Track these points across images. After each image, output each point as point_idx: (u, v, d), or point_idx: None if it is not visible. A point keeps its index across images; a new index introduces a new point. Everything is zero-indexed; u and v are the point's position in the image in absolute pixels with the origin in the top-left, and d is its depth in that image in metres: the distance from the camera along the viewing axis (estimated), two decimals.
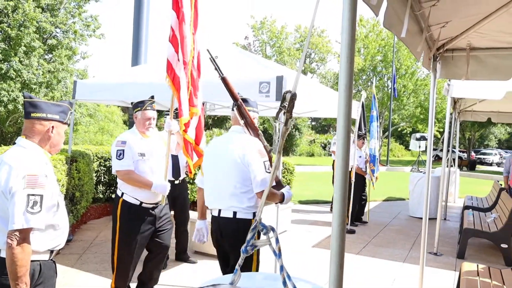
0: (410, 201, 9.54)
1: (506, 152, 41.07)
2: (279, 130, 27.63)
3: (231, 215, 2.87)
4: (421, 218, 8.69)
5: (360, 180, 8.05)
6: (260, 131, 3.01)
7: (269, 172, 2.81)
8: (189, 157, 3.72)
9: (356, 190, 7.83)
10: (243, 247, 1.85)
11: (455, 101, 9.13)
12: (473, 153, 33.73)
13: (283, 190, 2.98)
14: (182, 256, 5.33)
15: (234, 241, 2.81)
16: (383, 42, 31.83)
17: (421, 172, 9.89)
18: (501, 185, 8.84)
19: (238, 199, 2.86)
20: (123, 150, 3.54)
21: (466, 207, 8.07)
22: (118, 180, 3.67)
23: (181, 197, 5.30)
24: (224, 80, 2.88)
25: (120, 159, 3.54)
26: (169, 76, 3.54)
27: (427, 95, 31.22)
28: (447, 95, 6.22)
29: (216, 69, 2.88)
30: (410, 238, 7.28)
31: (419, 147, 22.68)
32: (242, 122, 2.97)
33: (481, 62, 4.20)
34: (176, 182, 5.16)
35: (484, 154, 38.06)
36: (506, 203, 6.61)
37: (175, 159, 5.09)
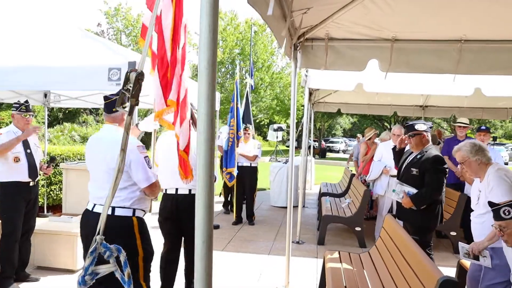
0: (271, 191, 9.73)
1: (349, 140, 45.58)
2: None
3: (187, 192, 3.65)
4: (283, 208, 8.97)
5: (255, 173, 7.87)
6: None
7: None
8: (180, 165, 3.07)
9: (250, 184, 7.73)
10: (79, 278, 1.39)
11: (310, 93, 9.53)
12: (323, 142, 36.61)
13: None
14: (20, 274, 4.47)
15: (190, 213, 3.15)
16: (241, 35, 32.53)
17: (279, 162, 10.17)
18: (351, 171, 9.51)
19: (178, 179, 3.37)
20: (147, 157, 2.93)
21: (322, 194, 8.48)
22: (128, 195, 2.86)
23: (34, 201, 4.56)
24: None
25: (151, 168, 2.91)
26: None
27: (283, 88, 32.90)
28: (305, 86, 6.35)
29: None
30: (273, 228, 7.36)
31: (277, 137, 23.83)
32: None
33: (339, 52, 4.27)
34: (32, 184, 4.45)
35: (332, 142, 41.69)
36: (358, 188, 7.05)
37: (30, 157, 4.40)
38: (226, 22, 32.94)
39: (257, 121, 34.14)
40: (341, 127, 57.28)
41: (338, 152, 39.78)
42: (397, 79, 5.91)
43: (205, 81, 1.13)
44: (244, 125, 7.80)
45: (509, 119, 12.83)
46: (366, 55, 4.23)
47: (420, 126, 4.16)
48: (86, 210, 2.96)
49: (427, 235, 4.13)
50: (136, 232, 2.90)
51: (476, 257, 3.21)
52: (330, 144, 40.56)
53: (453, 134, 12.58)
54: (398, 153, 4.53)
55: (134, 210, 2.91)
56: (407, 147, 4.46)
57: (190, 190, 3.63)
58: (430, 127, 4.23)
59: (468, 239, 6.30)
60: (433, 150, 4.15)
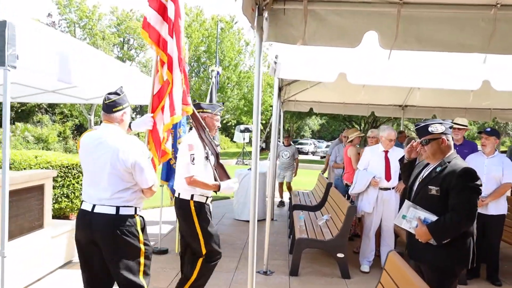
0: (235, 202, 8.42)
1: (318, 141, 44.81)
2: (94, 123, 24.50)
3: (177, 195, 3.77)
4: (248, 222, 7.64)
5: None
6: (206, 129, 3.69)
7: (194, 164, 3.54)
8: (157, 155, 3.62)
9: None
10: None
11: (280, 89, 8.25)
12: (292, 143, 35.54)
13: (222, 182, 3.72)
14: None
15: (178, 216, 3.86)
16: (207, 32, 31.16)
17: (246, 164, 8.89)
18: (326, 178, 8.30)
19: (181, 183, 3.67)
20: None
21: (294, 207, 7.21)
22: (131, 195, 2.97)
23: None
24: None
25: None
26: (170, 72, 3.42)
27: (250, 88, 31.63)
28: (274, 76, 5.04)
29: None
30: (236, 250, 6.03)
31: (244, 139, 22.59)
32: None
33: (323, 20, 2.98)
34: None
35: (301, 144, 40.73)
36: (337, 202, 5.80)
37: None
38: (192, 18, 31.58)
39: (224, 121, 32.82)
40: (309, 128, 56.46)
41: (307, 153, 38.95)
42: (390, 67, 4.74)
43: None
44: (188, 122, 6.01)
45: (491, 120, 12.03)
46: (361, 25, 2.96)
47: (436, 127, 2.94)
48: (84, 211, 2.93)
49: (450, 282, 2.89)
50: (139, 229, 2.96)
51: None
52: (299, 146, 39.56)
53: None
54: (407, 166, 3.28)
55: (135, 208, 2.98)
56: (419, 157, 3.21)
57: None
58: (451, 127, 3.02)
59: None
60: (459, 160, 2.93)
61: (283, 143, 10.17)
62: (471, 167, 2.87)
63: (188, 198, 3.64)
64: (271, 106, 28.29)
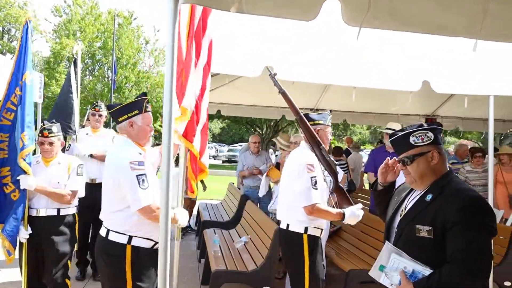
0: None
1: (220, 145, 44.28)
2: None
3: (285, 227, 3.19)
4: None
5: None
6: (322, 145, 3.09)
7: (316, 188, 2.99)
8: (194, 177, 3.22)
9: None
10: None
11: None
12: None
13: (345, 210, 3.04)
14: None
15: (285, 251, 3.33)
16: (103, 27, 28.84)
17: None
18: (239, 188, 7.39)
19: (291, 213, 3.14)
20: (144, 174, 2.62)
21: (204, 223, 6.19)
22: (122, 219, 2.61)
23: None
24: (284, 95, 3.03)
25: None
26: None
27: (150, 89, 29.85)
28: None
29: (275, 84, 3.05)
30: None
31: None
32: (302, 135, 3.20)
33: None
34: None
35: None
36: (259, 222, 4.90)
37: None
38: (85, 11, 29.02)
39: None
40: (210, 132, 55.60)
41: (209, 158, 38.00)
42: (328, 61, 4.01)
43: None
44: (42, 124, 3.72)
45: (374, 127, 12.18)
46: None
47: (422, 136, 2.03)
48: None
49: None
50: (128, 263, 2.58)
51: None
52: None
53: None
54: (383, 194, 2.37)
55: (130, 237, 2.61)
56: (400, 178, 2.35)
57: (288, 225, 3.08)
58: (440, 132, 2.14)
59: None
60: (459, 182, 2.09)
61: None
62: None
63: (301, 231, 3.09)
64: None
